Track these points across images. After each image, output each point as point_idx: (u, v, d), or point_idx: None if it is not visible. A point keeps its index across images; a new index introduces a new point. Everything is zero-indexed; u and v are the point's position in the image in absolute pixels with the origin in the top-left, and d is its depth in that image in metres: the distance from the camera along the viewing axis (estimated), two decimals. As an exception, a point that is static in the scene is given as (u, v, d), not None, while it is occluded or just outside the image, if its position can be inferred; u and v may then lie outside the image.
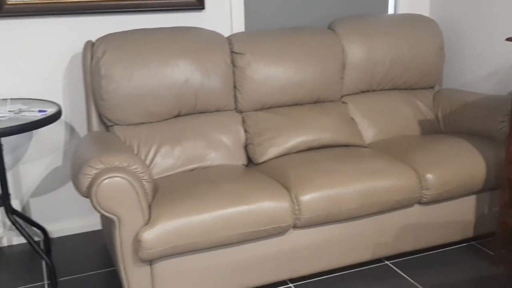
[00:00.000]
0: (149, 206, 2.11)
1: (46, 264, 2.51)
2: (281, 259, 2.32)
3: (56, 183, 2.90)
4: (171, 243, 2.06)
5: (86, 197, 2.04)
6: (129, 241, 2.06)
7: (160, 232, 2.04)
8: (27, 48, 2.68)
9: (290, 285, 2.43)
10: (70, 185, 2.93)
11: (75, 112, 2.84)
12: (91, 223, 3.01)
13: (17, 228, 2.46)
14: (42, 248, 2.78)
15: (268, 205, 2.19)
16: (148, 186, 2.10)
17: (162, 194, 2.20)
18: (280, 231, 2.24)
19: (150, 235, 2.03)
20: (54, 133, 2.83)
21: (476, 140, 2.72)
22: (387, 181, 2.39)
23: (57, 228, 2.94)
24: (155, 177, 2.48)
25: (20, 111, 2.40)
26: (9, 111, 2.39)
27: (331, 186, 2.31)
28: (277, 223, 2.21)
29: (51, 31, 2.70)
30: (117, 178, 1.99)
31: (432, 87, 3.23)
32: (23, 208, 2.87)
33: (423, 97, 3.15)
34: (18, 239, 2.88)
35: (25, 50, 2.68)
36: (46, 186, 2.88)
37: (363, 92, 3.07)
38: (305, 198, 2.26)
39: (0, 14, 2.58)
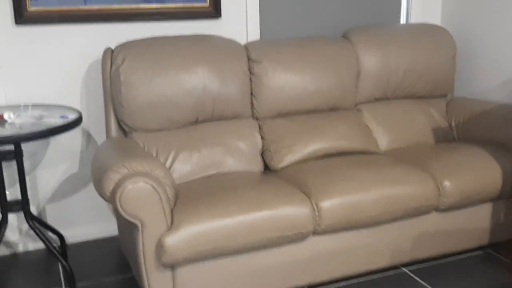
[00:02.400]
0: (171, 211, 2.12)
1: (64, 268, 2.51)
2: (301, 266, 2.33)
3: (73, 189, 2.91)
4: (194, 248, 2.07)
5: (109, 202, 2.05)
6: (152, 246, 2.07)
7: (183, 237, 2.05)
8: (47, 55, 2.70)
9: (308, 291, 2.44)
10: (86, 191, 2.94)
11: (93, 119, 2.86)
12: (107, 229, 3.02)
13: (36, 233, 2.47)
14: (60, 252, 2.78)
15: (290, 211, 2.20)
16: (170, 191, 2.12)
17: (183, 199, 2.21)
18: (300, 237, 2.26)
19: (173, 240, 2.04)
20: (71, 139, 2.84)
21: (492, 148, 2.73)
22: (406, 188, 2.40)
23: (73, 234, 2.95)
24: (174, 183, 2.49)
25: (41, 117, 2.41)
26: (31, 116, 2.41)
27: (351, 192, 2.32)
28: (298, 229, 2.22)
29: (70, 38, 2.73)
30: (141, 183, 2.00)
31: (445, 96, 3.25)
32: (39, 214, 2.88)
33: (436, 105, 3.17)
34: (34, 245, 2.89)
35: (44, 57, 2.70)
36: (63, 192, 2.90)
37: (377, 100, 3.09)
38: (326, 204, 2.28)
39: (20, 22, 2.60)
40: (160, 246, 2.05)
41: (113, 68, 2.54)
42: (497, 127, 2.82)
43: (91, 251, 2.86)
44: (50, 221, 2.91)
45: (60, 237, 2.81)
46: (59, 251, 2.64)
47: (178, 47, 2.62)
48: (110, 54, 2.58)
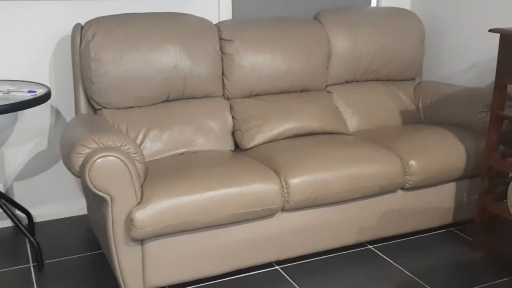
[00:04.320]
0: (141, 187, 2.13)
1: (32, 245, 2.50)
2: (269, 242, 2.37)
3: (41, 166, 2.88)
4: (163, 223, 2.08)
5: (79, 176, 2.05)
6: (121, 220, 2.08)
7: (152, 211, 2.06)
8: (16, 30, 2.66)
9: (276, 267, 2.48)
10: (54, 169, 2.92)
11: (62, 95, 2.83)
12: (75, 207, 3.00)
13: (4, 210, 2.45)
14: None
15: (259, 187, 2.23)
16: (140, 166, 2.12)
17: (153, 175, 2.22)
18: (269, 213, 2.29)
19: (142, 214, 2.05)
20: (39, 116, 2.81)
21: (457, 130, 2.81)
22: (373, 166, 2.45)
23: (41, 213, 2.93)
24: (144, 160, 2.49)
25: (9, 91, 2.38)
26: (-2, 91, 2.38)
27: (319, 170, 2.36)
28: (266, 205, 2.25)
29: (39, 13, 2.68)
30: (111, 157, 2.00)
31: (413, 79, 3.31)
32: (7, 191, 2.85)
33: (404, 88, 3.23)
34: (1, 223, 2.85)
35: (13, 32, 2.65)
36: (30, 169, 2.87)
37: (347, 82, 3.14)
38: (294, 181, 2.31)
39: (-13, -5, 2.56)
40: (129, 221, 2.05)
41: (83, 44, 2.51)
42: (462, 109, 2.90)
43: (59, 229, 2.84)
44: (18, 199, 2.88)
45: (28, 215, 2.79)
46: (27, 228, 2.61)
47: (149, 24, 2.60)
48: (80, 30, 2.56)
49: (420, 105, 3.17)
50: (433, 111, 3.09)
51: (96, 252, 2.61)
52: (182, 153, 2.59)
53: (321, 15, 3.08)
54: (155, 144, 2.55)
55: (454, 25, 3.26)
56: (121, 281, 2.17)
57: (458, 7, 3.22)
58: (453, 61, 3.30)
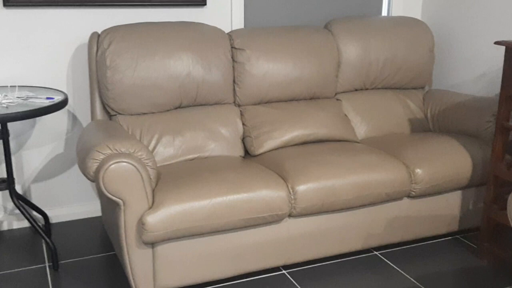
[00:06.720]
0: (153, 191, 2.20)
1: (48, 246, 2.58)
2: (276, 247, 2.43)
3: (57, 169, 2.98)
4: (173, 227, 2.16)
5: (93, 181, 2.13)
6: (133, 224, 2.16)
7: (163, 216, 2.14)
8: (34, 38, 2.76)
9: (284, 271, 2.54)
10: (70, 172, 3.01)
11: (78, 101, 2.93)
12: (90, 209, 3.09)
13: (21, 211, 2.54)
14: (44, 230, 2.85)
15: (266, 194, 2.30)
16: (152, 172, 2.20)
17: (165, 180, 2.29)
18: (276, 219, 2.35)
19: (153, 218, 2.12)
20: (57, 121, 2.91)
21: (464, 138, 2.85)
22: (380, 174, 2.51)
23: (57, 214, 3.02)
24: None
25: (28, 97, 2.48)
26: (18, 97, 2.47)
27: (326, 177, 2.42)
28: (274, 211, 2.32)
29: (57, 21, 2.78)
30: (124, 163, 2.08)
31: (422, 88, 3.36)
32: (24, 193, 2.95)
33: (413, 96, 3.27)
34: (18, 223, 2.96)
35: (32, 39, 2.75)
36: (48, 172, 2.96)
37: (356, 90, 3.19)
38: (301, 188, 2.37)
39: (8, 4, 2.65)
40: (141, 224, 2.13)
41: (99, 51, 2.60)
42: (470, 118, 2.93)
43: (74, 230, 2.93)
44: (35, 200, 2.98)
45: (45, 216, 2.88)
46: (43, 229, 2.71)
47: (164, 33, 2.69)
48: (96, 38, 2.65)
49: (429, 114, 3.22)
50: (441, 120, 3.13)
51: (109, 253, 2.69)
52: (193, 159, 2.66)
53: (331, 24, 3.14)
54: (167, 150, 2.63)
55: (464, 35, 3.30)
56: (132, 282, 2.25)
57: (468, 17, 3.26)
58: (462, 70, 3.34)
